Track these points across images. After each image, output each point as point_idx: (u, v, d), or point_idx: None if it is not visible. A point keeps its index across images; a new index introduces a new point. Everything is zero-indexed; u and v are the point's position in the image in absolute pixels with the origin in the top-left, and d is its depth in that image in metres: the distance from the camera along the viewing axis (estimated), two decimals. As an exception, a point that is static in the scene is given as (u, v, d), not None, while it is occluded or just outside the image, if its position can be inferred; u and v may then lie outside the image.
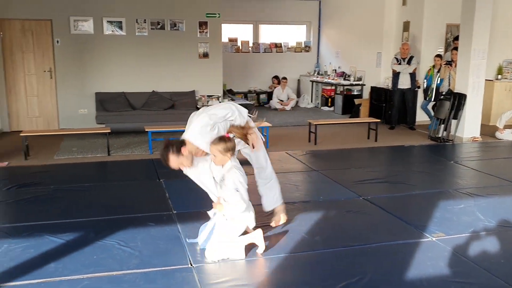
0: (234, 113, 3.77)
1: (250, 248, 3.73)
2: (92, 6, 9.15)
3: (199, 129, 3.64)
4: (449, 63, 8.93)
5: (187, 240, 3.88)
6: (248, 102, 10.95)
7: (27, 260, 3.58)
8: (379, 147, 7.93)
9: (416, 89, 9.63)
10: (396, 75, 9.33)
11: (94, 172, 6.50)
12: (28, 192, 5.24)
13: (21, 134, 7.13)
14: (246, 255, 3.64)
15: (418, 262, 3.61)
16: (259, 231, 3.73)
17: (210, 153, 3.65)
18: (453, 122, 8.35)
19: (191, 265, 3.52)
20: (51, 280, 3.28)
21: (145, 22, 9.48)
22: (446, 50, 9.89)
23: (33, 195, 5.13)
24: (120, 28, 9.38)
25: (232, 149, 3.63)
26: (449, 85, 8.73)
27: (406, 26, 10.16)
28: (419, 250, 3.83)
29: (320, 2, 13.53)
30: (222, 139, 3.62)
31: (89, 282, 3.26)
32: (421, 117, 9.78)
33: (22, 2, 8.81)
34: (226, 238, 3.61)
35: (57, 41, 9.08)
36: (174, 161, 3.66)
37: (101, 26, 9.26)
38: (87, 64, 9.31)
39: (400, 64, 9.25)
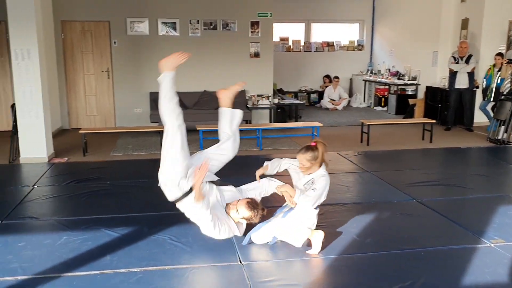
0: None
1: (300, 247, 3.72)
2: (147, 8, 9.39)
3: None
4: (511, 61, 8.54)
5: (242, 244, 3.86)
6: (298, 101, 10.91)
7: (84, 252, 3.73)
8: (434, 149, 7.71)
9: (474, 89, 9.28)
10: (453, 75, 9.03)
11: (148, 169, 6.65)
12: (86, 187, 5.46)
13: (80, 132, 7.42)
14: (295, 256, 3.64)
15: (475, 268, 3.48)
16: (321, 232, 3.72)
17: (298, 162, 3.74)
18: (514, 123, 7.99)
19: (241, 262, 3.54)
20: (106, 272, 3.40)
21: (198, 23, 9.64)
22: (508, 48, 9.47)
23: (90, 190, 5.34)
24: (174, 29, 9.58)
25: (319, 158, 3.67)
26: (511, 85, 8.36)
27: (464, 24, 9.80)
28: (476, 256, 3.69)
29: (374, 0, 13.29)
30: (309, 147, 3.68)
31: (142, 276, 3.35)
32: (479, 118, 9.41)
33: (82, 5, 9.18)
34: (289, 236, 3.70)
35: (114, 42, 9.39)
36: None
37: (156, 27, 9.49)
38: (142, 64, 9.57)
39: (457, 63, 8.95)
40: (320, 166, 3.73)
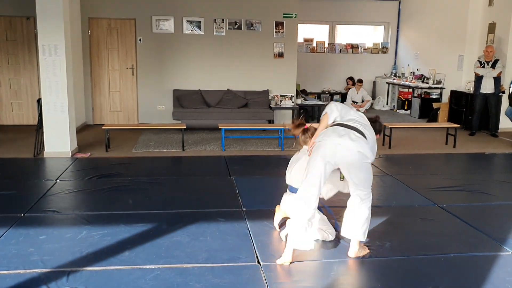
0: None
1: (313, 251, 3.70)
2: (173, 6, 9.47)
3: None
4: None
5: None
6: (321, 102, 10.87)
7: (104, 247, 3.78)
8: (457, 154, 7.59)
9: (500, 94, 9.11)
10: (479, 79, 8.87)
11: (169, 166, 6.73)
12: (107, 182, 5.53)
13: (104, 127, 7.52)
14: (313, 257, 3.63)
15: (496, 277, 3.42)
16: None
17: None
18: (541, 130, 7.82)
19: (259, 263, 3.54)
20: (124, 268, 3.44)
21: (223, 22, 9.67)
22: (536, 53, 9.26)
23: (112, 186, 5.41)
24: (199, 27, 9.63)
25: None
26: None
27: (491, 28, 9.63)
28: (498, 264, 3.62)
29: (400, 2, 13.16)
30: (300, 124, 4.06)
31: (160, 273, 3.38)
32: (505, 123, 9.23)
33: (109, 2, 9.30)
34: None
35: (140, 40, 9.49)
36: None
37: (181, 25, 9.56)
38: (167, 62, 9.65)
39: (483, 67, 8.79)
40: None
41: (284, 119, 9.80)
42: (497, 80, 8.77)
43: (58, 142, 6.86)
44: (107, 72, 9.58)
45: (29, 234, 3.99)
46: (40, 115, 6.92)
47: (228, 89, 9.73)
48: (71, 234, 4.02)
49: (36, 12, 6.56)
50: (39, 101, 6.98)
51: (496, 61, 8.73)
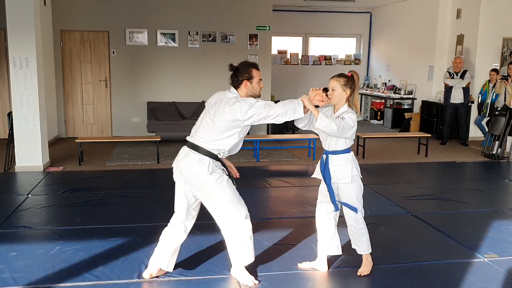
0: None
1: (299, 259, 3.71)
2: (147, 19, 9.45)
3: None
4: (505, 77, 8.61)
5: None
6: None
7: (77, 262, 3.71)
8: (429, 163, 7.73)
9: (470, 104, 9.34)
10: (448, 89, 9.08)
11: (143, 179, 6.67)
12: (80, 196, 5.45)
13: (77, 141, 7.42)
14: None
15: (469, 283, 3.48)
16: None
17: (329, 88, 3.40)
18: (509, 138, 8.03)
19: (235, 274, 3.53)
20: (99, 283, 3.39)
21: (197, 34, 9.70)
22: (502, 65, 9.55)
23: (85, 200, 5.33)
24: (173, 40, 9.63)
25: (351, 88, 3.38)
26: (505, 100, 8.42)
27: (460, 40, 9.90)
28: (470, 270, 3.69)
29: (371, 14, 13.42)
30: (343, 74, 3.42)
31: (135, 287, 3.33)
32: (475, 133, 9.46)
33: (82, 14, 9.23)
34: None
35: (113, 52, 9.43)
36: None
37: (155, 37, 9.54)
38: (141, 74, 9.60)
39: (453, 78, 9.01)
40: (347, 102, 3.43)
41: (259, 131, 9.84)
42: (466, 90, 8.99)
43: (30, 156, 6.73)
44: (80, 85, 9.47)
45: (0, 251, 3.90)
46: (11, 128, 6.78)
47: (203, 101, 9.72)
48: (43, 250, 3.93)
49: (7, 24, 6.46)
50: (9, 114, 6.85)
51: (464, 71, 8.95)
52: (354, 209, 3.49)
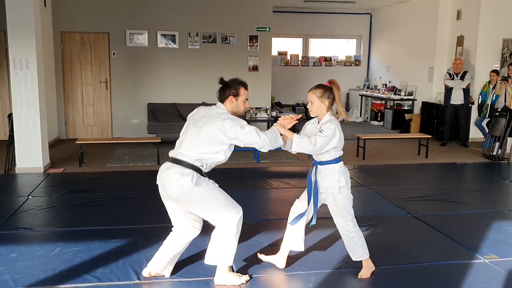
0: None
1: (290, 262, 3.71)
2: (147, 20, 9.46)
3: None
4: (505, 78, 8.61)
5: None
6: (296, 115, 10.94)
7: (77, 264, 3.71)
8: (429, 164, 7.73)
9: (470, 105, 9.35)
10: (448, 91, 9.09)
11: (144, 181, 6.65)
12: (81, 198, 5.45)
13: (77, 142, 7.42)
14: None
15: (469, 284, 3.48)
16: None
17: (308, 100, 3.42)
18: (509, 140, 8.03)
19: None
20: (99, 285, 3.39)
21: (197, 36, 9.70)
22: (502, 66, 9.56)
23: (85, 201, 5.33)
24: (173, 41, 9.64)
25: (329, 98, 3.38)
26: (505, 101, 8.42)
27: (460, 41, 9.90)
28: (470, 271, 3.69)
29: (371, 16, 13.43)
30: (320, 85, 3.42)
31: (136, 288, 3.34)
32: (475, 134, 9.47)
33: (82, 16, 9.23)
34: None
35: (113, 53, 9.43)
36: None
37: (155, 39, 9.55)
38: (141, 75, 9.61)
39: (453, 79, 9.01)
40: (329, 111, 3.44)
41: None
42: (466, 91, 8.99)
43: (30, 157, 6.73)
44: (80, 86, 9.47)
45: (0, 252, 3.90)
46: (11, 130, 6.79)
47: (203, 102, 9.71)
48: (44, 251, 3.93)
49: (7, 26, 6.47)
50: (10, 116, 6.85)
51: (465, 73, 8.96)
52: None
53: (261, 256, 3.70)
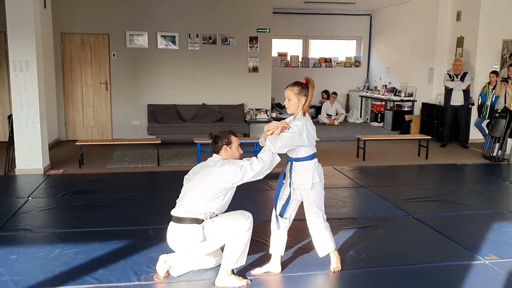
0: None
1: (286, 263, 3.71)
2: (147, 21, 9.46)
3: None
4: (505, 79, 8.61)
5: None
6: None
7: (77, 265, 3.71)
8: (430, 165, 7.73)
9: (470, 106, 9.34)
10: (448, 92, 9.09)
11: (144, 182, 6.67)
12: (81, 199, 5.45)
13: (77, 143, 7.41)
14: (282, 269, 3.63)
15: (469, 285, 3.48)
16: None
17: (285, 97, 3.49)
18: (509, 141, 8.02)
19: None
20: (99, 286, 3.38)
21: (197, 37, 9.70)
22: (502, 67, 9.56)
23: (85, 202, 5.32)
24: (173, 42, 9.64)
25: (306, 96, 3.43)
26: (505, 102, 8.41)
27: (460, 42, 9.90)
28: (471, 273, 3.68)
29: (371, 17, 13.44)
30: (298, 82, 3.48)
31: (136, 289, 3.33)
32: (475, 135, 9.46)
33: (82, 17, 9.23)
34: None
35: (113, 55, 9.43)
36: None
37: (155, 40, 9.55)
38: (141, 77, 9.61)
39: (453, 80, 9.01)
40: (304, 108, 3.48)
41: (260, 133, 9.84)
42: (466, 92, 8.99)
43: (30, 158, 6.73)
44: (80, 88, 9.47)
45: (0, 254, 3.89)
46: (11, 131, 6.79)
47: (203, 104, 9.73)
48: (43, 252, 3.93)
49: (7, 27, 6.47)
50: (10, 117, 6.85)
51: (464, 74, 8.96)
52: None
53: (255, 272, 3.63)
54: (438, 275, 3.66)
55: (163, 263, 3.54)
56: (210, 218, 3.39)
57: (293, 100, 3.45)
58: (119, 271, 3.61)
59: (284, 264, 3.73)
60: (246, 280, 3.44)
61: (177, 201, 3.50)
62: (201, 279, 3.50)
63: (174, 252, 3.56)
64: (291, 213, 3.66)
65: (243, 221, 3.36)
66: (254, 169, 3.36)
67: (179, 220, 3.37)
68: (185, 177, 3.59)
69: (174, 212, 3.44)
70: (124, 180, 6.60)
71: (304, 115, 3.49)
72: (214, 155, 3.55)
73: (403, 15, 11.89)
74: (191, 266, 3.59)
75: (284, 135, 3.38)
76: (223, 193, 3.39)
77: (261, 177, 3.45)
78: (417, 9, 11.15)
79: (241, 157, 3.56)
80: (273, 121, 3.53)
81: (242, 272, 3.57)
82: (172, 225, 3.44)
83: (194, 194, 3.38)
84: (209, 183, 3.35)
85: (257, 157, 3.43)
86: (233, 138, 3.56)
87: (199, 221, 3.32)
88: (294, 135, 3.37)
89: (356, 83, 13.60)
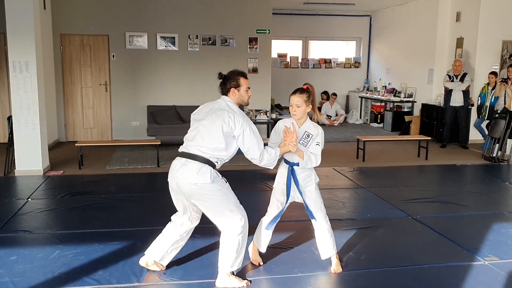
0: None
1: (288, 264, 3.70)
2: (146, 22, 9.46)
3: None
4: (505, 80, 8.62)
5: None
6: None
7: (77, 266, 3.70)
8: (429, 166, 7.73)
9: (469, 107, 9.35)
10: (448, 92, 9.09)
11: (144, 183, 6.66)
12: (80, 200, 5.44)
13: (77, 144, 7.41)
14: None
15: (469, 286, 3.47)
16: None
17: (291, 104, 3.50)
18: (509, 141, 8.03)
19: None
20: (98, 287, 3.38)
21: (197, 38, 9.71)
22: (501, 67, 9.57)
23: (85, 203, 5.32)
24: (173, 43, 9.64)
25: (312, 102, 3.51)
26: (505, 103, 8.42)
27: (459, 43, 9.91)
28: (470, 273, 3.68)
29: (371, 18, 13.44)
30: (303, 89, 3.50)
31: (135, 291, 3.33)
32: (475, 135, 9.46)
33: (82, 18, 9.24)
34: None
35: (113, 56, 9.44)
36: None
37: (154, 41, 9.55)
38: (140, 78, 9.61)
39: (452, 81, 9.02)
40: (315, 117, 3.62)
41: (260, 133, 9.83)
42: (466, 93, 9.00)
43: (30, 159, 6.73)
44: (80, 89, 9.47)
45: (-1, 255, 3.90)
46: (11, 132, 6.78)
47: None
48: (43, 254, 3.93)
49: (6, 28, 6.47)
50: (9, 118, 6.85)
51: (464, 74, 8.96)
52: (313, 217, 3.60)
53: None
54: (438, 275, 3.65)
55: (150, 265, 3.56)
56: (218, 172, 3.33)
57: (302, 107, 3.48)
58: (118, 272, 3.61)
59: (284, 265, 3.73)
60: (245, 281, 3.44)
61: (185, 139, 3.41)
62: (201, 280, 3.50)
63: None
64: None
65: (236, 222, 3.29)
66: (258, 144, 3.34)
67: (192, 156, 3.25)
68: (193, 116, 3.49)
69: (184, 149, 3.33)
70: (124, 181, 6.60)
71: (315, 121, 3.56)
72: (223, 97, 3.45)
73: (402, 16, 11.90)
74: (166, 247, 3.55)
75: (319, 148, 3.50)
76: (229, 143, 3.30)
77: (254, 160, 3.39)
78: (417, 9, 11.16)
79: (249, 102, 3.51)
80: (290, 131, 3.46)
81: (242, 273, 3.57)
82: (181, 160, 3.30)
83: (205, 139, 3.26)
84: (217, 129, 3.24)
85: (271, 152, 3.43)
86: (242, 81, 3.42)
87: (211, 164, 3.26)
88: (322, 147, 3.54)
89: (356, 84, 13.61)
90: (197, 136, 3.31)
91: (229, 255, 3.33)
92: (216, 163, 3.29)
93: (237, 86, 3.40)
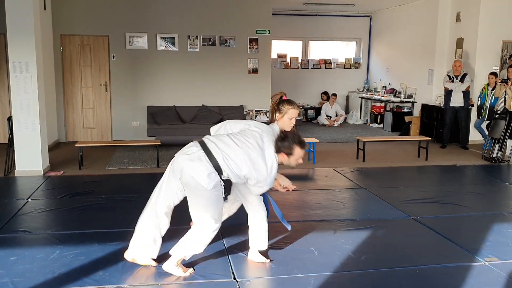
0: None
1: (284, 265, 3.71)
2: (146, 23, 9.47)
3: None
4: (505, 81, 8.62)
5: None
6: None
7: (77, 267, 3.70)
8: (429, 166, 7.72)
9: (469, 107, 9.35)
10: (448, 93, 9.09)
11: (144, 183, 6.65)
12: (80, 201, 5.44)
13: (77, 145, 7.42)
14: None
15: (469, 287, 3.47)
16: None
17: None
18: (509, 142, 8.03)
19: (235, 279, 3.52)
20: None
21: (197, 39, 9.71)
22: (501, 68, 9.57)
23: (85, 204, 5.32)
24: (173, 44, 9.64)
25: None
26: (505, 103, 8.42)
27: (459, 43, 9.91)
28: (471, 274, 3.68)
29: (370, 18, 13.44)
30: (290, 100, 3.71)
31: (135, 291, 3.33)
32: (475, 136, 9.46)
33: (82, 19, 9.24)
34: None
35: (113, 56, 9.44)
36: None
37: (155, 42, 9.56)
38: (141, 78, 9.61)
39: (452, 81, 9.02)
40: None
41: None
42: (466, 93, 9.00)
43: (30, 160, 6.73)
44: (80, 89, 9.47)
45: (-1, 256, 3.90)
46: (11, 133, 6.78)
47: (203, 105, 9.73)
48: (43, 254, 3.92)
49: (7, 29, 6.47)
50: (9, 118, 6.85)
51: (464, 75, 8.96)
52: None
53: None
54: (438, 276, 3.65)
55: (145, 261, 3.65)
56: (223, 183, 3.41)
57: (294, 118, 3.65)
58: (119, 272, 3.60)
59: (284, 265, 3.73)
60: (190, 269, 3.56)
61: (217, 130, 3.61)
62: (202, 280, 3.50)
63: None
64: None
65: (210, 224, 3.39)
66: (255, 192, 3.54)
67: (207, 151, 3.31)
68: (234, 124, 3.59)
69: (211, 143, 3.36)
70: (123, 181, 6.60)
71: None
72: (271, 146, 3.39)
73: (402, 16, 11.90)
74: (151, 238, 3.65)
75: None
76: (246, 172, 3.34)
77: (252, 187, 3.50)
78: (417, 10, 11.16)
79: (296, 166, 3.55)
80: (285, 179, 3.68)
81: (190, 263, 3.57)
82: (199, 153, 3.34)
83: (236, 152, 3.31)
84: (252, 157, 3.30)
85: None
86: (297, 151, 3.43)
87: (219, 171, 3.31)
88: None
89: (356, 84, 13.61)
90: (232, 148, 3.34)
91: (188, 243, 3.45)
92: (224, 172, 3.36)
93: (290, 154, 3.43)
